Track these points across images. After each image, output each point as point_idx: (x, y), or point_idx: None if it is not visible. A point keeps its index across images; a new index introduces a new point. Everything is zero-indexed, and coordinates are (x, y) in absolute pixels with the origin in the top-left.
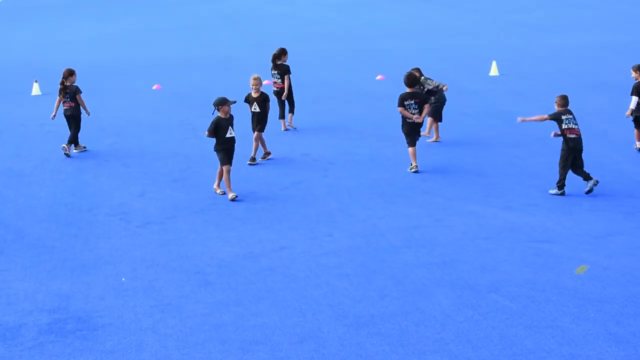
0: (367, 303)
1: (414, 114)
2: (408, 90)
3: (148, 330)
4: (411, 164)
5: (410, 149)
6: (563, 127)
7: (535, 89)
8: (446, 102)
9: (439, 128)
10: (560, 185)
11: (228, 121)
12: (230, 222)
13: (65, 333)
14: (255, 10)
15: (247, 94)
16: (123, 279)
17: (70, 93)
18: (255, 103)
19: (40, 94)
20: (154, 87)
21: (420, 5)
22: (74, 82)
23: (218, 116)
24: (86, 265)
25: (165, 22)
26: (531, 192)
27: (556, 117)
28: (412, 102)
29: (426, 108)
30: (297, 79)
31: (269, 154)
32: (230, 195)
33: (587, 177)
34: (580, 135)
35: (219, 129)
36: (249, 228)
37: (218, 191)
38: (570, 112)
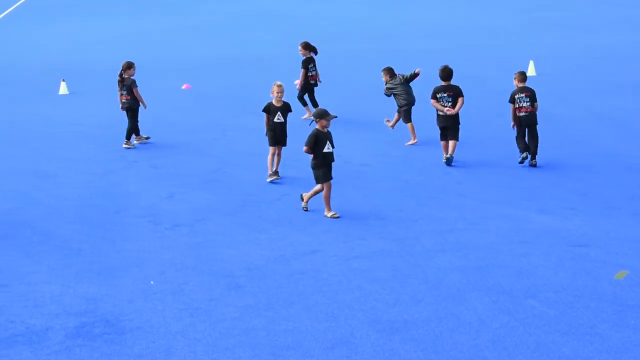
0: (401, 308)
1: (445, 106)
2: (443, 83)
3: (177, 334)
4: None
5: (443, 142)
6: (516, 107)
7: (572, 89)
8: (415, 103)
9: (415, 128)
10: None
11: (327, 135)
12: (261, 224)
13: (93, 337)
14: (287, 9)
15: (267, 103)
16: (152, 282)
17: (126, 86)
18: (279, 113)
19: (68, 93)
20: (183, 87)
21: (455, 4)
22: (132, 75)
23: (317, 129)
24: (114, 268)
25: (194, 20)
26: (568, 195)
27: (511, 101)
28: (445, 95)
29: (460, 101)
30: (330, 79)
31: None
32: (331, 213)
33: (526, 149)
34: (530, 112)
35: (318, 143)
36: (280, 231)
37: (330, 214)
38: (525, 90)
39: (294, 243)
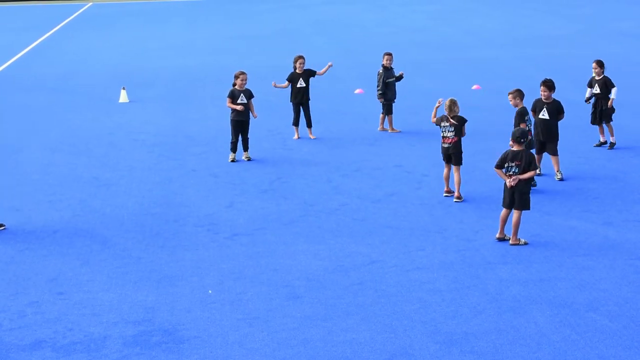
0: (460, 320)
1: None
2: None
3: (235, 344)
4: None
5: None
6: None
7: (638, 99)
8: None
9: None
10: None
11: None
12: (321, 234)
13: (151, 346)
14: (347, 18)
15: (439, 116)
16: (210, 292)
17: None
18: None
19: (128, 101)
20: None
21: (519, 13)
22: (235, 86)
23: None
24: (172, 277)
25: (254, 29)
26: (633, 207)
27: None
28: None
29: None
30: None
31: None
32: (523, 240)
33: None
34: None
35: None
36: (339, 241)
37: (523, 241)
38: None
39: (353, 254)
